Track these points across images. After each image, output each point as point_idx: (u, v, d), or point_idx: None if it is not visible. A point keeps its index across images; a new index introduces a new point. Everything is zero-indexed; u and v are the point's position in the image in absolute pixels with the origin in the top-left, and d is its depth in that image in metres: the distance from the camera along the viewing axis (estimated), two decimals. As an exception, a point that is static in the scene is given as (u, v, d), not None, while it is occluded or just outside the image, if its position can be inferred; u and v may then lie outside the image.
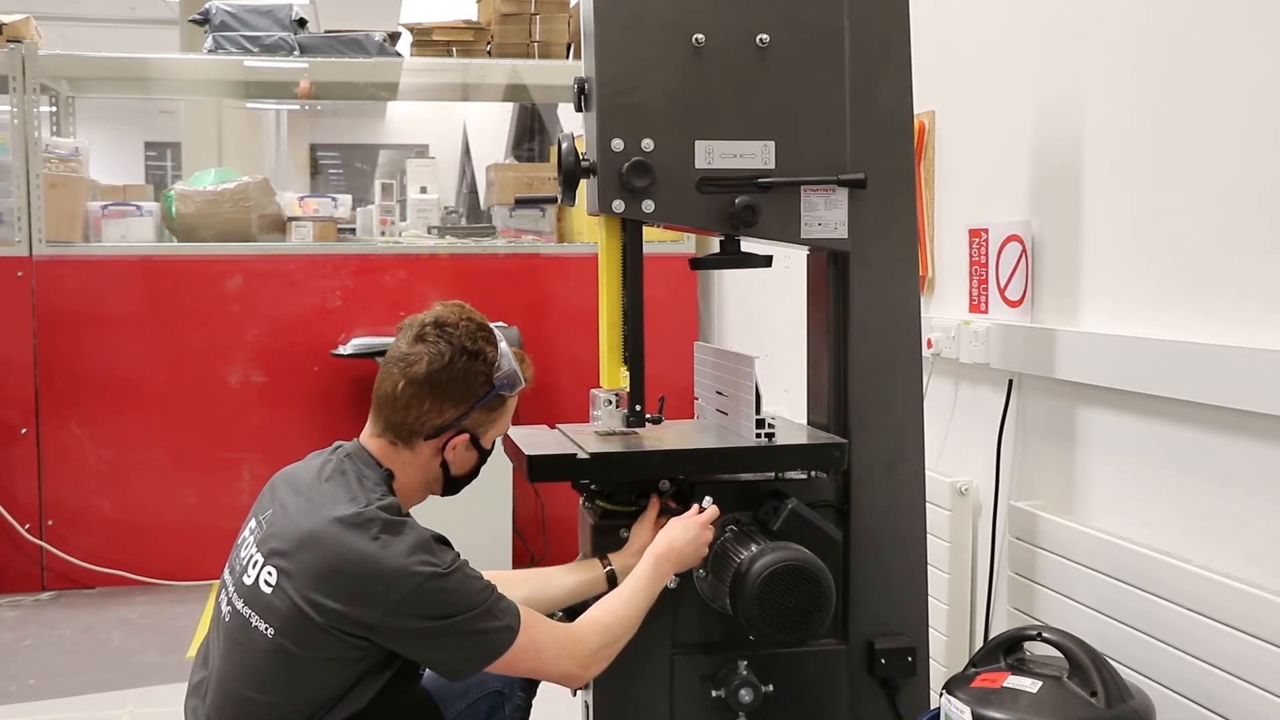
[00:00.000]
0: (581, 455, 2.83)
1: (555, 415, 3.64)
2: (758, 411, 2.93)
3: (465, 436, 2.68)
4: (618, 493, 3.00)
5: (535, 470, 2.82)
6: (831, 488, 3.02)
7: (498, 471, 3.31)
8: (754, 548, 2.75)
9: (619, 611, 2.67)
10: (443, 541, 2.48)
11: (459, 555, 2.47)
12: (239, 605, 2.49)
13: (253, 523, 2.61)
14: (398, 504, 2.50)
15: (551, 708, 3.32)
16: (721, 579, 2.80)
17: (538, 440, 3.03)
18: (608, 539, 2.98)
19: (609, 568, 2.91)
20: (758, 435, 2.92)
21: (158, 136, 15.58)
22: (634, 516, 2.98)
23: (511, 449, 3.06)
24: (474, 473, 2.78)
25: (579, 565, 2.96)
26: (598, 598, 2.80)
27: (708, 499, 2.86)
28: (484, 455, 2.75)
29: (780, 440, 2.93)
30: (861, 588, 3.03)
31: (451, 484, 2.76)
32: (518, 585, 2.82)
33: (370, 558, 2.36)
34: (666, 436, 3.05)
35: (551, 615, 2.89)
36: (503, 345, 2.68)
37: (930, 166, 4.08)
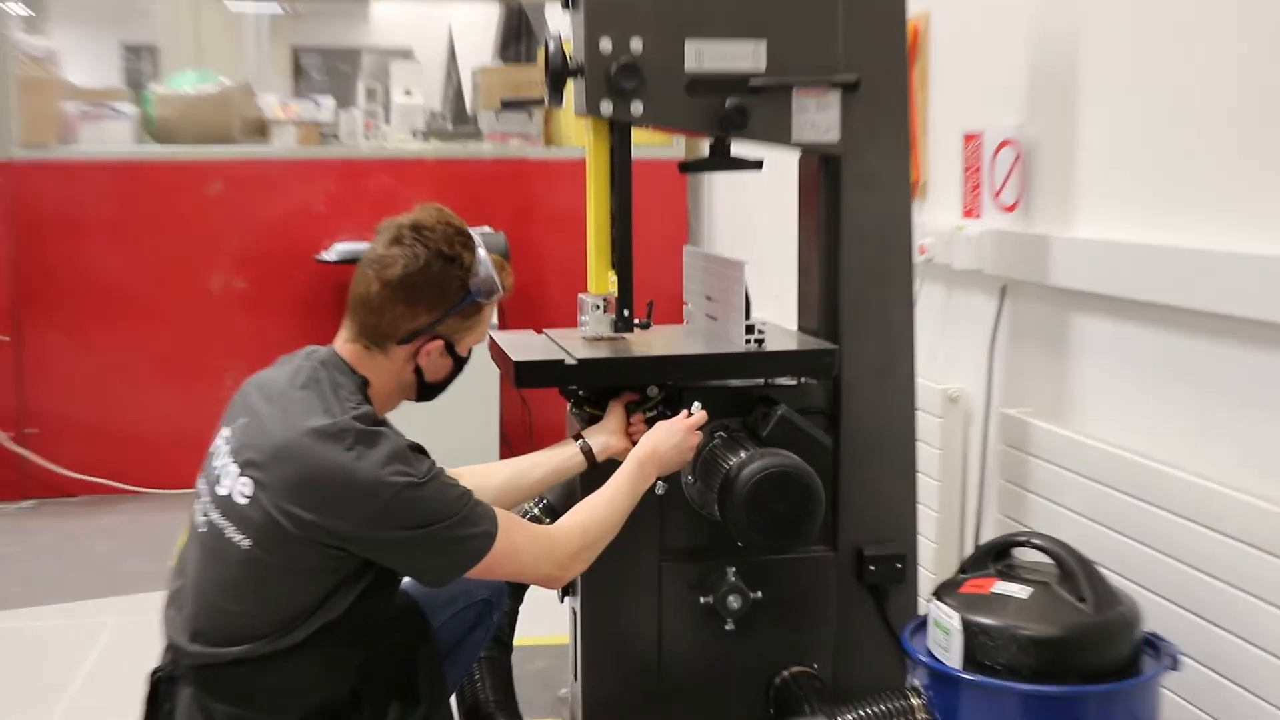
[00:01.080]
0: (569, 361, 2.82)
1: (542, 320, 3.62)
2: (747, 317, 2.92)
3: (440, 343, 2.64)
4: (605, 399, 2.98)
5: (522, 376, 2.81)
6: (821, 394, 3.01)
7: (484, 378, 3.31)
8: (743, 454, 2.73)
9: (600, 513, 2.67)
10: (418, 450, 2.45)
11: (434, 463, 2.44)
12: (214, 516, 2.48)
13: (225, 431, 2.58)
14: (373, 412, 2.47)
15: (540, 612, 3.35)
16: (710, 485, 2.78)
17: (525, 345, 3.02)
18: (595, 445, 2.98)
19: (583, 443, 2.91)
20: (747, 341, 2.91)
21: (135, 38, 15.38)
22: (622, 422, 2.97)
23: (498, 354, 3.02)
24: (449, 380, 2.76)
25: (555, 448, 2.95)
26: (585, 488, 2.82)
27: (696, 404, 2.86)
28: (459, 363, 2.72)
29: (770, 346, 2.93)
30: (851, 495, 3.03)
31: (425, 390, 2.73)
32: (495, 475, 2.83)
33: (345, 469, 2.35)
34: (655, 342, 3.04)
35: (536, 519, 2.90)
36: (481, 251, 2.65)
37: (924, 70, 4.04)
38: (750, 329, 2.93)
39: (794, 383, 2.99)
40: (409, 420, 2.65)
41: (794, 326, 3.21)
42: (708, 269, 3.17)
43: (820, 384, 3.01)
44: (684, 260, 3.36)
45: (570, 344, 2.99)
